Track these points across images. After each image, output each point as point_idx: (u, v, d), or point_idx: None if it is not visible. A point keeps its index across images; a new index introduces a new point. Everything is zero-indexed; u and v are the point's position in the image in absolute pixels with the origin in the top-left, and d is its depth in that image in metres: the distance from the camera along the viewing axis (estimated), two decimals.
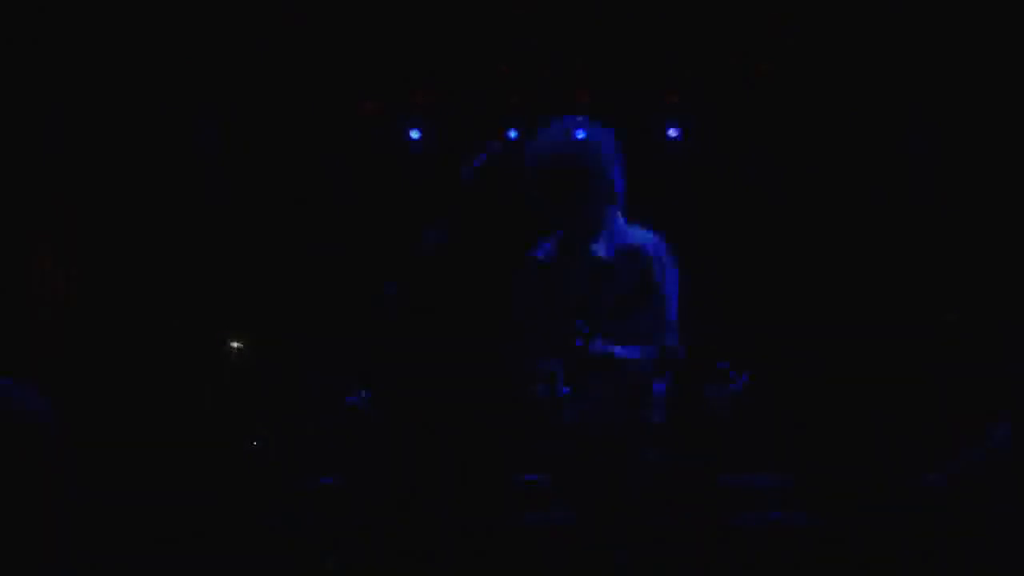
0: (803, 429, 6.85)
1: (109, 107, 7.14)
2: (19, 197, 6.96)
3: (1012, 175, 6.92)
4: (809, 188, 7.24)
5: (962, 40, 6.91)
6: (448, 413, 6.38)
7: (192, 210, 7.36)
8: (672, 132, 7.36)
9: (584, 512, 4.38)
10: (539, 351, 4.50)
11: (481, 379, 5.61)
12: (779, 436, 6.85)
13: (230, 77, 7.32)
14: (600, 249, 4.57)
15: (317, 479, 6.81)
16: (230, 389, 7.25)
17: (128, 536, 6.60)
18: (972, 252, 6.97)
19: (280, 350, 7.32)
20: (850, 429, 6.79)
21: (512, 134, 4.59)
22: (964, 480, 5.35)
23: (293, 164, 7.45)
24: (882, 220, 7.15)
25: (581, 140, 4.56)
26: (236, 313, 7.41)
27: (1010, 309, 6.74)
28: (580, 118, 4.63)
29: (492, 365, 4.61)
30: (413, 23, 7.18)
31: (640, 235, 4.60)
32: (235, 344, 7.24)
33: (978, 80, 6.92)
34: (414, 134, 7.43)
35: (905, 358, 6.84)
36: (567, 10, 7.07)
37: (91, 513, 5.47)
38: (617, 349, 4.37)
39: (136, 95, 7.15)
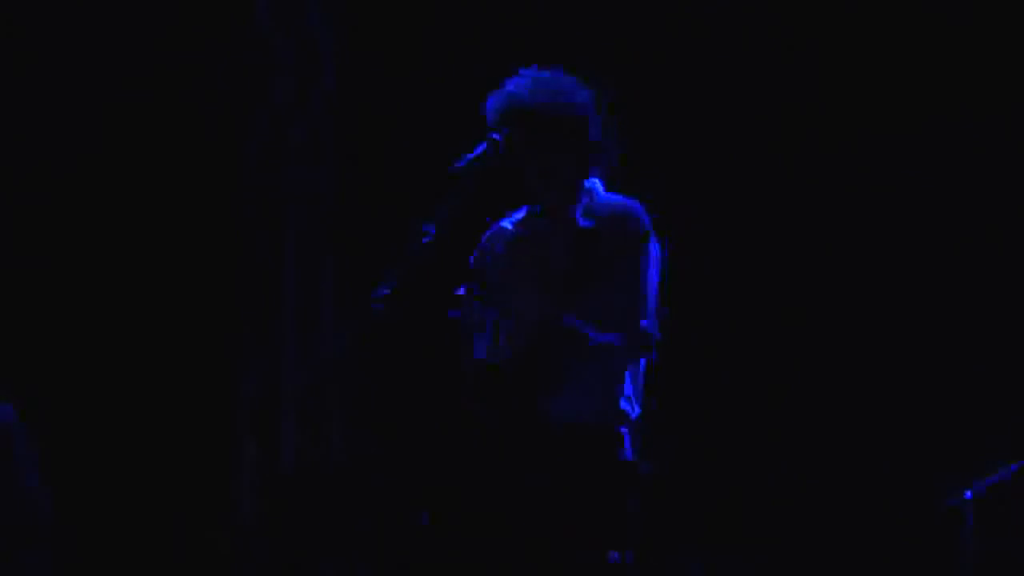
0: (806, 436, 6.72)
1: (109, 106, 7.12)
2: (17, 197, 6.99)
3: (1013, 175, 6.83)
4: (810, 187, 7.08)
5: (964, 39, 6.83)
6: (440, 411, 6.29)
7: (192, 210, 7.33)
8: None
9: (557, 518, 4.04)
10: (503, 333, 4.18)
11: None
12: (778, 439, 6.74)
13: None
14: (581, 216, 4.21)
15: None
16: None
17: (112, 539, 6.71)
18: (974, 251, 6.84)
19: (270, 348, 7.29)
20: (858, 438, 6.68)
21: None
22: (998, 498, 5.22)
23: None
24: (884, 220, 7.02)
25: (557, 85, 4.19)
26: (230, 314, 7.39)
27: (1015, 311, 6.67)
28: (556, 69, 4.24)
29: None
30: (413, 22, 7.16)
31: (623, 201, 4.23)
32: None
33: (979, 80, 6.83)
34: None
35: (914, 362, 6.74)
36: (567, 10, 7.00)
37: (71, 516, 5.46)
38: (590, 328, 4.04)
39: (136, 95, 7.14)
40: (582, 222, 4.19)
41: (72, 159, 7.10)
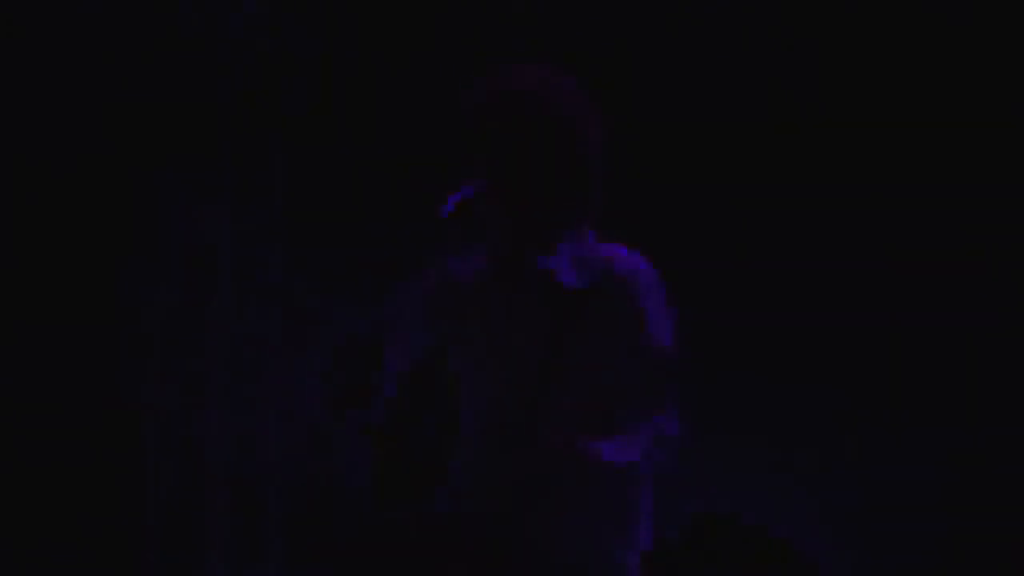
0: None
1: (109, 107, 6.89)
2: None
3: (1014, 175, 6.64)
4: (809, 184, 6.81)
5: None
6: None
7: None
8: None
9: None
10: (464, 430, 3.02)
11: None
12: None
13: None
14: (562, 270, 3.11)
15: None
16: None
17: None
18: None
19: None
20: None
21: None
22: None
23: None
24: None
25: (557, 89, 3.12)
26: None
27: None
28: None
29: None
30: (411, 23, 6.88)
31: (619, 254, 3.17)
32: None
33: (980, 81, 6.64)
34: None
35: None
36: (566, 10, 6.79)
37: None
38: (610, 449, 2.97)
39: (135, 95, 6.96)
40: (562, 276, 3.12)
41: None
